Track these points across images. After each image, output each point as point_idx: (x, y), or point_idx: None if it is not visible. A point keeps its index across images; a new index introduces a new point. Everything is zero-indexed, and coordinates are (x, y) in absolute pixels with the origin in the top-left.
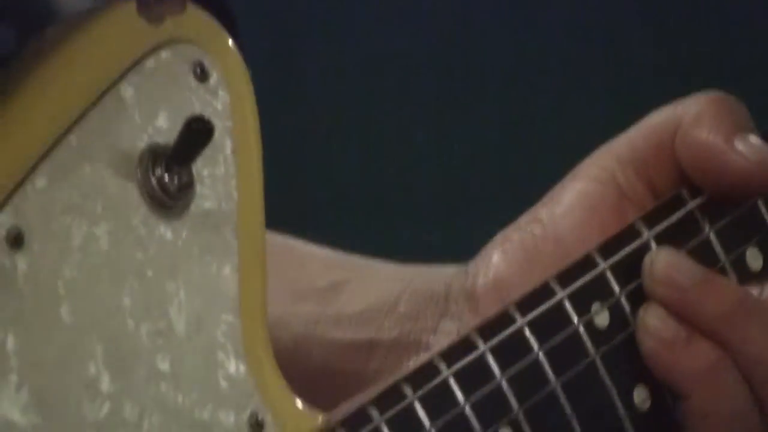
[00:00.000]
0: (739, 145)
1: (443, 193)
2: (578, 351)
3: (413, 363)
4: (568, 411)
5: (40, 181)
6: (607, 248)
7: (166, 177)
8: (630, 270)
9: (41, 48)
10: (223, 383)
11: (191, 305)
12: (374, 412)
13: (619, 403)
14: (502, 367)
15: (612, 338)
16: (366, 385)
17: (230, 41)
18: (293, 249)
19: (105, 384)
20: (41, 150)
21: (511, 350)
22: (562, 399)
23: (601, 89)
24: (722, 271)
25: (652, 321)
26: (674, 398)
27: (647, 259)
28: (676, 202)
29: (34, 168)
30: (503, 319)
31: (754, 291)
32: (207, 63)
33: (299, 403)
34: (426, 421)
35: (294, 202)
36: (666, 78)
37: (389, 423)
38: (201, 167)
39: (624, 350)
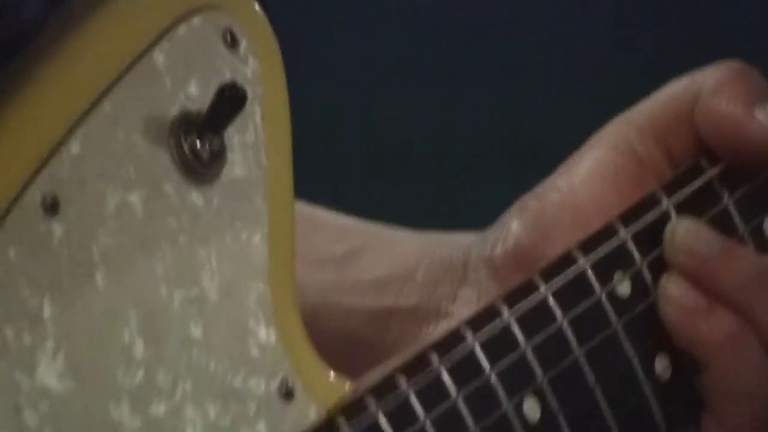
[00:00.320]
0: (760, 115)
1: (452, 160)
2: (601, 320)
3: (433, 330)
4: (591, 380)
5: (74, 147)
6: (628, 217)
7: (198, 144)
8: (650, 239)
9: (72, 16)
10: (254, 350)
11: (222, 272)
12: (402, 380)
13: (641, 372)
14: (527, 336)
15: (634, 307)
16: (385, 352)
17: (258, 8)
18: (310, 216)
19: (139, 351)
20: (75, 116)
21: (536, 319)
22: (586, 368)
23: (608, 70)
24: (741, 241)
25: (674, 290)
26: (695, 367)
27: (668, 229)
28: (695, 171)
29: (68, 134)
30: (528, 288)
31: None
32: (236, 30)
33: (328, 371)
34: (452, 389)
35: (301, 168)
36: (668, 59)
37: (417, 391)
38: (231, 134)
39: (645, 319)
